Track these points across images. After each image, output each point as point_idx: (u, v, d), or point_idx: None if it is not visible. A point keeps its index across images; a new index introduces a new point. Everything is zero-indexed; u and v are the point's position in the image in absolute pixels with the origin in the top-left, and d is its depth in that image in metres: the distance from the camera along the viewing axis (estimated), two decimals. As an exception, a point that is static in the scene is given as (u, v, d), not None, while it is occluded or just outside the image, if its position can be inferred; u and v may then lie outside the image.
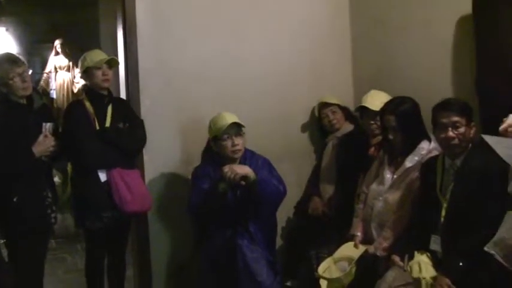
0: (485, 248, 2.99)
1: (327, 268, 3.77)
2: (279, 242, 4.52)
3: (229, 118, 3.87)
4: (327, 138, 4.77)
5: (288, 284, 4.44)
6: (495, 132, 3.12)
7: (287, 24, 4.81)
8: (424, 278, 3.16)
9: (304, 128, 4.99)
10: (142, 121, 4.13)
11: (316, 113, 4.83)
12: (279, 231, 4.51)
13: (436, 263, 3.28)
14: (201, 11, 4.47)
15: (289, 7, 4.83)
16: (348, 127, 4.70)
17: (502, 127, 2.84)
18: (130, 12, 4.24)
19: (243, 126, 3.92)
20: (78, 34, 8.85)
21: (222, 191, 3.71)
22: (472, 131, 3.37)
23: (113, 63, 3.99)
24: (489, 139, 2.21)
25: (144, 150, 4.18)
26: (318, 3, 4.99)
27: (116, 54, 4.26)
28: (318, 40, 4.95)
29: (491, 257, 2.96)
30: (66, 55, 9.22)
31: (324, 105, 4.75)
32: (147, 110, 4.26)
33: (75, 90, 9.04)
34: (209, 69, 4.44)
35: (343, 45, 5.11)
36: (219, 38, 4.50)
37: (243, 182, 3.70)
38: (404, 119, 3.73)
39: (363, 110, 4.31)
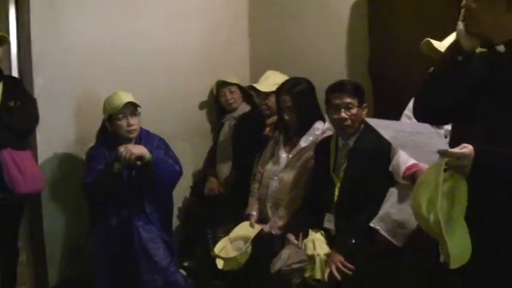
0: (371, 224, 3.11)
1: (223, 248, 3.79)
2: (175, 222, 4.52)
3: (125, 97, 3.80)
4: (224, 118, 4.77)
5: (185, 264, 4.44)
6: (386, 113, 3.24)
7: (184, 3, 4.75)
8: (318, 255, 3.23)
9: (201, 107, 4.97)
10: (35, 100, 3.97)
11: (214, 92, 4.83)
12: (175, 211, 4.49)
13: (330, 240, 3.36)
14: (96, -12, 4.34)
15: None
16: (245, 107, 4.71)
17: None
18: (23, -12, 4.06)
19: (139, 106, 3.86)
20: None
21: (117, 172, 3.65)
22: (364, 112, 3.47)
23: (3, 41, 3.82)
24: (372, 122, 2.28)
25: (37, 130, 4.03)
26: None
27: (8, 32, 4.07)
28: (215, 20, 4.93)
29: (377, 233, 3.09)
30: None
31: (222, 84, 4.74)
32: (40, 89, 4.09)
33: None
34: (104, 48, 4.32)
35: (240, 25, 5.11)
36: (115, 16, 4.38)
37: (138, 162, 3.65)
38: (299, 100, 3.79)
39: (256, 90, 4.34)
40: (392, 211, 3.10)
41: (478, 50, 2.45)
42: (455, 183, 2.05)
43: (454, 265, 2.03)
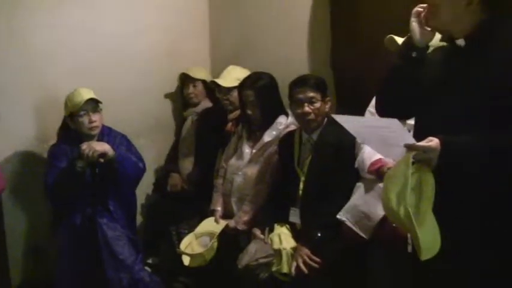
0: (338, 216, 3.14)
1: (189, 244, 3.78)
2: (139, 219, 4.48)
3: (86, 94, 3.76)
4: (186, 112, 4.74)
5: (149, 261, 4.40)
6: (349, 107, 3.27)
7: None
8: (284, 249, 3.25)
9: (163, 102, 4.92)
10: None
11: (178, 85, 4.81)
12: (139, 208, 4.45)
13: (296, 234, 3.39)
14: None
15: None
16: (207, 103, 4.68)
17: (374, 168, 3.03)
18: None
19: (100, 102, 3.83)
20: None
21: (80, 169, 3.61)
22: (327, 106, 3.50)
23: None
24: (339, 118, 2.31)
25: (-3, 128, 3.96)
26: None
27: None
28: (175, 14, 4.87)
29: (344, 225, 3.11)
30: None
31: (186, 79, 4.71)
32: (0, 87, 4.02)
33: None
34: (64, 43, 4.24)
35: (201, 19, 5.07)
36: (74, 12, 4.29)
37: (101, 160, 3.62)
38: (262, 94, 3.80)
39: (218, 86, 4.33)
40: (359, 203, 3.13)
41: (439, 43, 2.53)
42: (422, 176, 2.09)
43: (425, 257, 2.06)
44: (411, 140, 2.10)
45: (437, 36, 2.60)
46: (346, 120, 2.33)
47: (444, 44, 2.55)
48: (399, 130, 2.10)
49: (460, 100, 2.18)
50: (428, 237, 2.06)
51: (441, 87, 2.27)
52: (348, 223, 3.11)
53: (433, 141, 2.06)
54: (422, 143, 2.07)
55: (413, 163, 2.07)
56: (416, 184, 2.08)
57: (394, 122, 2.09)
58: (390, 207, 2.09)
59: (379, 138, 2.24)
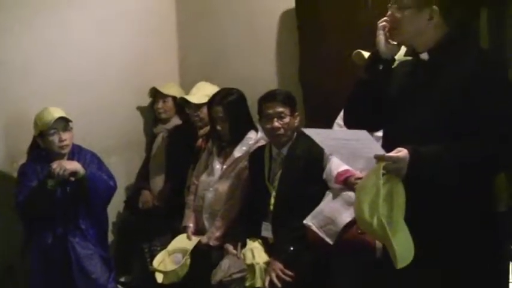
0: (304, 221, 3.18)
1: (162, 261, 3.77)
2: (110, 237, 4.44)
3: (55, 112, 3.74)
4: (156, 129, 4.74)
5: (122, 279, 4.39)
6: (318, 121, 3.32)
7: (112, 13, 4.66)
8: (257, 264, 3.28)
9: (134, 120, 4.89)
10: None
11: (149, 101, 4.81)
12: (110, 226, 4.41)
13: (268, 248, 3.42)
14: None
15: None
16: (178, 120, 4.68)
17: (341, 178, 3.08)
18: None
19: (70, 121, 3.81)
20: None
21: (50, 188, 3.58)
22: (297, 121, 3.55)
23: None
24: (309, 131, 2.35)
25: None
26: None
27: None
28: (144, 31, 4.86)
29: (309, 230, 3.15)
30: None
31: (157, 94, 4.72)
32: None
33: None
34: (32, 61, 4.19)
35: (169, 37, 5.07)
36: (45, 29, 4.27)
37: (72, 178, 3.61)
38: (232, 110, 3.83)
39: (188, 102, 4.35)
40: (325, 208, 3.18)
41: (403, 57, 2.59)
42: (392, 186, 2.12)
43: (400, 265, 2.09)
44: (380, 151, 2.13)
45: (403, 50, 2.68)
46: (316, 134, 2.36)
47: (409, 58, 2.63)
48: (368, 142, 2.14)
49: (425, 111, 2.24)
50: (402, 246, 2.09)
51: (407, 99, 2.33)
52: (314, 228, 3.15)
53: (401, 152, 2.11)
54: (391, 154, 2.11)
55: (383, 174, 2.11)
56: (387, 194, 2.11)
57: (363, 134, 2.12)
58: (363, 218, 2.12)
59: (349, 150, 2.28)
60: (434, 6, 2.26)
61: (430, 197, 2.19)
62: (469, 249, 2.22)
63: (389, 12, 2.32)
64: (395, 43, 2.35)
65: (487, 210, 2.31)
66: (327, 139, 2.38)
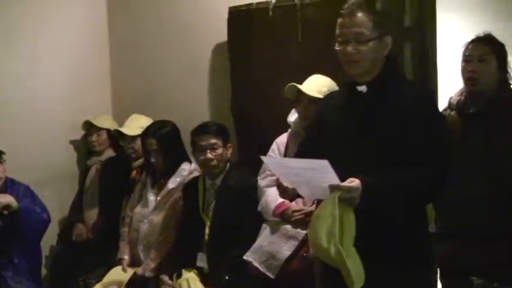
0: (244, 257, 3.24)
1: (97, 294, 3.77)
2: (44, 271, 4.38)
3: (-13, 145, 3.72)
4: (90, 161, 4.73)
5: (55, 314, 4.34)
6: (250, 152, 3.40)
7: (47, 45, 4.65)
8: (193, 294, 3.31)
9: (67, 152, 4.86)
10: None
11: (82, 133, 4.80)
12: (44, 260, 4.36)
13: (204, 278, 3.46)
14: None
15: (49, 28, 4.67)
16: (112, 152, 4.69)
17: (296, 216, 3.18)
18: None
19: (3, 153, 3.79)
20: None
21: (-17, 222, 3.55)
22: (229, 152, 3.63)
23: None
24: (266, 160, 2.42)
25: None
26: (77, 28, 4.89)
27: None
28: (76, 64, 4.85)
29: (250, 265, 3.21)
30: None
31: (90, 127, 4.70)
32: None
33: None
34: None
35: (102, 69, 5.07)
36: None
37: (5, 212, 3.59)
38: (165, 142, 3.88)
39: (122, 134, 4.38)
40: (265, 243, 3.24)
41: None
42: (344, 214, 2.21)
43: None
44: (336, 181, 2.21)
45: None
46: (272, 162, 2.42)
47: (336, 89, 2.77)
48: (327, 172, 2.21)
49: (364, 143, 2.37)
50: (356, 270, 2.19)
51: (344, 131, 2.44)
52: (255, 263, 3.20)
53: (354, 182, 2.21)
54: (345, 183, 2.21)
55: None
56: (338, 221, 2.19)
57: (323, 164, 2.19)
58: (320, 245, 2.21)
59: (304, 179, 2.34)
60: (389, 36, 2.40)
61: (379, 226, 2.30)
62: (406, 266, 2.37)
63: (341, 48, 2.40)
64: None
65: (423, 232, 2.50)
66: (282, 168, 2.44)
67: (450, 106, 3.06)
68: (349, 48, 2.37)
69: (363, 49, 2.36)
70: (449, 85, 3.30)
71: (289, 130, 3.44)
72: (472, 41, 2.97)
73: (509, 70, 2.96)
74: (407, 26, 3.31)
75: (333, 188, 2.22)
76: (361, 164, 2.32)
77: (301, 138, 3.05)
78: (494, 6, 3.92)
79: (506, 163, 2.82)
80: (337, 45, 2.42)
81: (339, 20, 2.42)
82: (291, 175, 2.40)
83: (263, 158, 2.45)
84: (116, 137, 4.59)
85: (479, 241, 2.83)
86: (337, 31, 2.42)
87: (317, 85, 3.27)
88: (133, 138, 4.28)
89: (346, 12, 2.39)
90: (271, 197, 3.30)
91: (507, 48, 2.96)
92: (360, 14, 2.36)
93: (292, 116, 3.43)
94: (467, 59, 2.95)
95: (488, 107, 2.89)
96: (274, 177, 3.27)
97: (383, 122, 2.35)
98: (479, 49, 2.92)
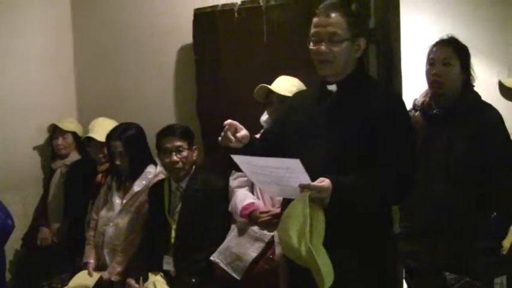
0: (211, 257, 3.24)
1: (62, 299, 3.74)
2: (8, 276, 4.32)
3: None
4: (54, 164, 4.67)
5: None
6: (216, 152, 3.38)
7: (9, 46, 4.59)
8: (160, 297, 3.30)
9: (31, 155, 4.78)
10: None
11: (46, 136, 4.75)
12: (8, 265, 4.30)
13: (170, 281, 3.45)
14: None
15: (12, 28, 4.60)
16: (77, 155, 4.63)
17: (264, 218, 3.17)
18: None
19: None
20: None
21: None
22: (195, 154, 3.63)
23: None
24: (237, 158, 2.40)
25: None
26: (40, 27, 4.82)
27: None
28: (40, 66, 4.79)
29: (217, 266, 3.21)
30: None
31: (55, 130, 4.64)
32: None
33: None
34: None
35: (67, 73, 5.00)
36: None
37: (-33, 218, 3.53)
38: (130, 145, 3.85)
39: (90, 139, 4.33)
40: (232, 244, 3.24)
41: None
42: (313, 214, 2.21)
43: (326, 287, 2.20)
44: (307, 181, 2.22)
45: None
46: (243, 161, 2.41)
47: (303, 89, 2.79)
48: (298, 171, 2.21)
49: (333, 141, 2.39)
50: (326, 270, 2.19)
51: (313, 128, 2.46)
52: (221, 264, 3.21)
53: (325, 182, 2.22)
54: (315, 183, 2.21)
55: None
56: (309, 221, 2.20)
57: (295, 163, 2.20)
58: (291, 245, 2.21)
59: (274, 179, 2.34)
60: (362, 38, 2.42)
61: (349, 225, 2.33)
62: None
63: (315, 47, 2.42)
64: None
65: (389, 231, 2.54)
66: (252, 166, 2.42)
67: (415, 107, 3.10)
68: (323, 48, 2.39)
69: (336, 49, 2.39)
70: (414, 86, 3.33)
71: (262, 131, 3.44)
72: (436, 44, 3.01)
73: (472, 72, 3.00)
74: (371, 28, 3.32)
75: (304, 188, 2.22)
76: (325, 162, 2.35)
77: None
78: (460, 10, 4.00)
79: (468, 163, 2.86)
80: (311, 44, 2.45)
81: (314, 19, 2.44)
82: (261, 174, 2.40)
83: (233, 156, 2.44)
84: (81, 142, 4.54)
85: (443, 238, 2.87)
86: (312, 30, 2.45)
87: (288, 85, 3.29)
88: (102, 143, 4.22)
89: (322, 11, 2.42)
90: (240, 198, 3.30)
91: (470, 50, 3.00)
92: (335, 14, 2.39)
93: (265, 116, 3.44)
94: (431, 62, 2.98)
95: (452, 108, 2.93)
96: (245, 178, 3.30)
97: (351, 121, 2.38)
98: (444, 52, 2.96)
